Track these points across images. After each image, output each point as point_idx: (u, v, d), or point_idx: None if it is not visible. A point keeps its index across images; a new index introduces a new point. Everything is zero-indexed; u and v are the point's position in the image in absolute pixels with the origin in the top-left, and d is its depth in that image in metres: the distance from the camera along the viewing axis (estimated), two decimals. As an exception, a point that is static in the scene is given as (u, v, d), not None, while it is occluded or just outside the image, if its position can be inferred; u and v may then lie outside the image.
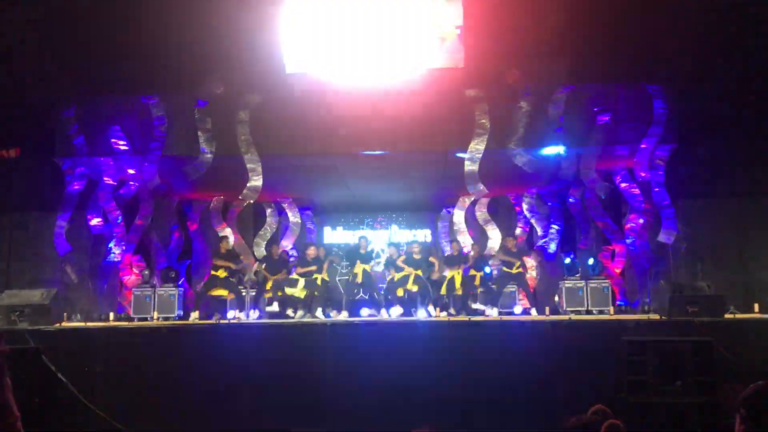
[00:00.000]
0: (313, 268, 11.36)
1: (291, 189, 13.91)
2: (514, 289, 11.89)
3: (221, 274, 11.35)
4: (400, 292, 11.16)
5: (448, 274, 11.63)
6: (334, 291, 11.98)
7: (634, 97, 11.28)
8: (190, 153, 11.48)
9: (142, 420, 8.07)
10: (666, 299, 8.83)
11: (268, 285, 11.58)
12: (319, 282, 11.25)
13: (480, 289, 11.41)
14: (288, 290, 11.13)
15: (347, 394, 8.16)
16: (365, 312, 11.37)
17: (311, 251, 11.69)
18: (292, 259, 12.93)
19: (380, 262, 13.06)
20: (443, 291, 11.47)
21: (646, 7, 11.80)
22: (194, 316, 11.05)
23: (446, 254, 12.19)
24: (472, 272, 11.61)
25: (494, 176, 11.74)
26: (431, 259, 11.82)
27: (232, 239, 12.88)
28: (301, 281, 11.22)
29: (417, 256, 11.50)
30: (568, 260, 12.34)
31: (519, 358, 8.19)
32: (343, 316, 10.88)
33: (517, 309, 11.65)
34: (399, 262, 11.41)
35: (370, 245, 12.33)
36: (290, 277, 11.49)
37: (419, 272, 11.28)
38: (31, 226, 12.61)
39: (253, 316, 11.36)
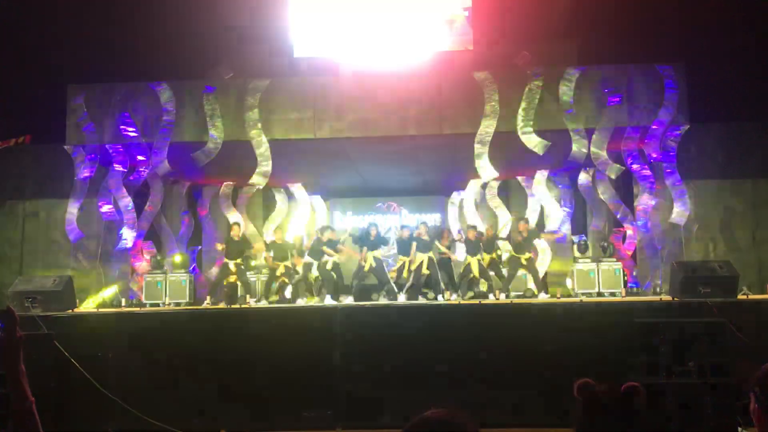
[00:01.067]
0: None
1: (300, 174, 13.90)
2: (524, 272, 11.84)
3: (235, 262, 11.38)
4: (410, 276, 11.18)
5: (466, 259, 11.56)
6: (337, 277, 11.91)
7: (645, 78, 11.17)
8: (199, 139, 11.49)
9: (155, 404, 8.12)
10: (678, 281, 8.77)
11: (279, 271, 11.59)
12: (329, 267, 11.26)
13: (491, 273, 11.41)
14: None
15: (357, 378, 8.18)
16: (375, 297, 11.37)
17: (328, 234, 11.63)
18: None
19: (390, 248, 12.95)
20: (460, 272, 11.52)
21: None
22: (207, 301, 11.08)
23: (465, 239, 12.08)
24: (484, 256, 11.55)
25: (504, 159, 11.67)
26: (437, 243, 11.73)
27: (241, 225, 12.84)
28: (313, 267, 11.26)
29: (426, 237, 11.46)
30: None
31: (530, 341, 8.17)
32: (350, 301, 10.87)
33: (528, 292, 11.63)
34: (411, 253, 11.37)
35: (379, 231, 12.17)
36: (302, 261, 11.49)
37: (431, 254, 11.25)
38: (43, 213, 12.67)
39: (266, 301, 11.39)
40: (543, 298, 10.70)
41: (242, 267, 11.55)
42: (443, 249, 11.69)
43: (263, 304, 11.14)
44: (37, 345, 7.85)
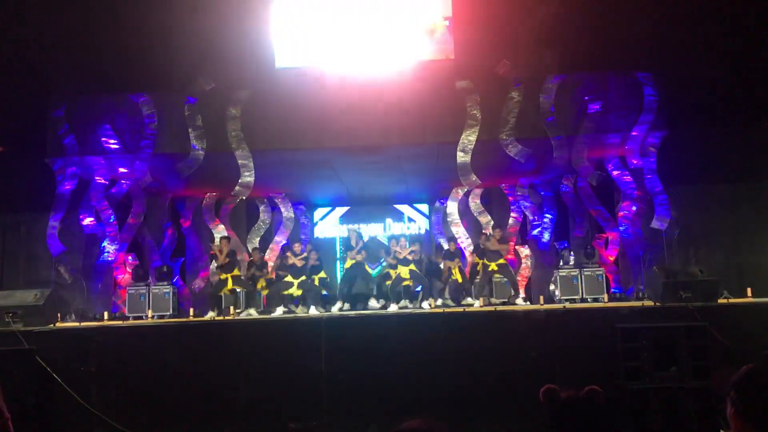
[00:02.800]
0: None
1: (283, 184, 13.88)
2: (501, 279, 11.90)
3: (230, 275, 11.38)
4: (392, 285, 11.22)
5: (443, 266, 11.67)
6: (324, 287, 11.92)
7: (625, 85, 11.31)
8: (181, 150, 11.45)
9: (138, 418, 8.07)
10: (660, 285, 8.86)
11: (259, 285, 11.64)
12: (317, 282, 11.31)
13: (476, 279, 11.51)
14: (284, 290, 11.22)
15: (343, 388, 8.17)
16: (360, 306, 11.36)
17: (296, 247, 11.68)
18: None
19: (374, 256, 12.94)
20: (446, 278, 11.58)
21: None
22: (210, 315, 10.95)
23: (445, 250, 12.17)
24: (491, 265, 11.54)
25: (487, 167, 11.73)
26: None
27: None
28: (296, 281, 11.24)
29: (408, 255, 11.47)
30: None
31: (514, 347, 8.21)
32: (336, 309, 10.87)
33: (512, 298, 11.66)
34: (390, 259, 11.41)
35: (361, 240, 12.15)
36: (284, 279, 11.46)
37: (412, 267, 11.27)
38: (24, 227, 12.58)
39: (251, 313, 11.33)
40: (520, 303, 10.76)
41: (242, 278, 11.54)
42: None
43: (247, 315, 11.10)
44: (18, 360, 7.78)
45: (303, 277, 11.29)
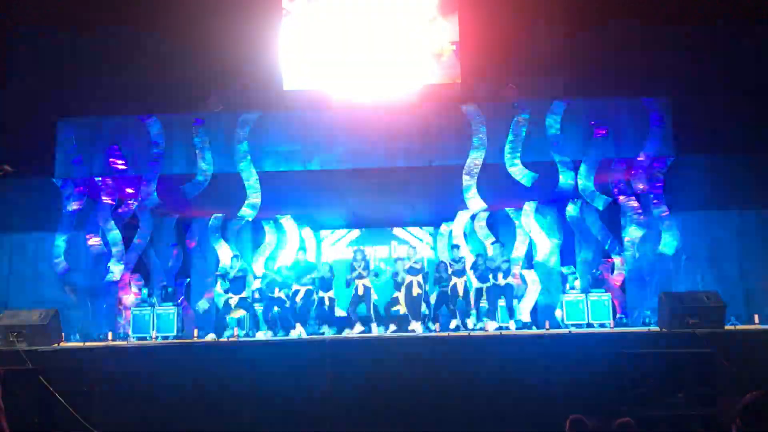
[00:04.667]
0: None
1: (290, 206, 13.91)
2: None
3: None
4: (396, 308, 11.16)
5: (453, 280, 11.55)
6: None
7: (631, 111, 11.32)
8: (188, 171, 11.50)
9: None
10: (666, 312, 8.79)
11: None
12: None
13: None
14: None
15: (345, 411, 8.10)
16: (359, 328, 11.24)
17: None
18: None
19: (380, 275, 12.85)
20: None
21: (642, 20, 11.89)
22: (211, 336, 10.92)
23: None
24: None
25: (492, 190, 11.73)
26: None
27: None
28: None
29: (415, 265, 11.44)
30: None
31: (518, 372, 8.14)
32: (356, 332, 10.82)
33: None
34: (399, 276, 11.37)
35: (362, 263, 12.04)
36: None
37: (419, 278, 11.21)
38: (30, 246, 12.60)
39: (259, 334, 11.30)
40: (513, 326, 10.71)
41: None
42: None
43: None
44: (22, 380, 7.76)
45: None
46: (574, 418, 4.75)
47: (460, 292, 11.33)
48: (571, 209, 13.02)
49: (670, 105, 11.27)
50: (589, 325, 11.32)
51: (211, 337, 10.72)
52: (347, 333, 10.79)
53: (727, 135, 12.01)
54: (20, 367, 7.94)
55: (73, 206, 11.82)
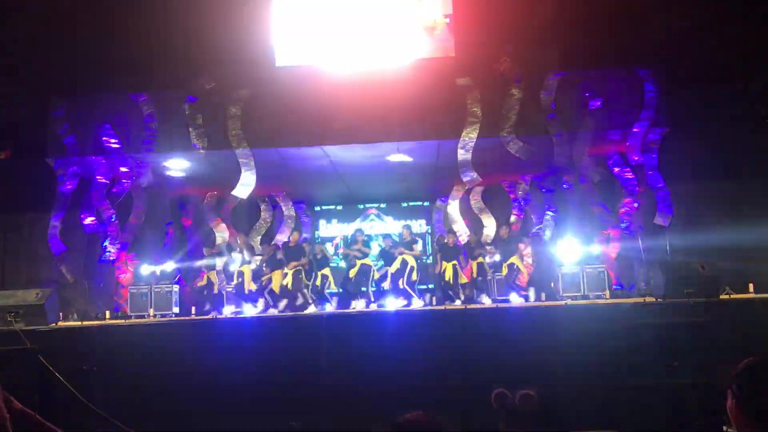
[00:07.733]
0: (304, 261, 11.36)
1: (284, 182, 13.87)
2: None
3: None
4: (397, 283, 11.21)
5: (442, 265, 11.62)
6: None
7: (625, 82, 11.28)
8: (182, 149, 11.45)
9: (141, 417, 8.05)
10: (661, 282, 8.84)
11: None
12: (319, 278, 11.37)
13: (479, 278, 11.48)
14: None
15: (343, 385, 8.15)
16: (360, 303, 11.32)
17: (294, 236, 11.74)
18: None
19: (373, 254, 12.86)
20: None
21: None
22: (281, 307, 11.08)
23: (442, 245, 12.13)
24: (472, 263, 11.59)
25: (488, 164, 11.71)
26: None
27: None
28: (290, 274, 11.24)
29: (408, 238, 11.49)
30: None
31: (516, 344, 8.18)
32: (334, 307, 10.90)
33: (513, 297, 11.65)
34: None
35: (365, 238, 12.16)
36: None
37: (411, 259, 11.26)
38: (26, 226, 12.58)
39: (254, 310, 11.34)
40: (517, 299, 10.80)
41: (299, 274, 11.46)
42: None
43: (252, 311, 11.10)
44: (21, 360, 7.78)
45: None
46: (498, 391, 5.02)
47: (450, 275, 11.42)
48: (567, 181, 13.02)
49: (663, 75, 11.22)
50: (585, 297, 11.36)
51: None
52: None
53: (722, 104, 11.96)
54: (18, 347, 7.95)
55: (67, 186, 11.77)
